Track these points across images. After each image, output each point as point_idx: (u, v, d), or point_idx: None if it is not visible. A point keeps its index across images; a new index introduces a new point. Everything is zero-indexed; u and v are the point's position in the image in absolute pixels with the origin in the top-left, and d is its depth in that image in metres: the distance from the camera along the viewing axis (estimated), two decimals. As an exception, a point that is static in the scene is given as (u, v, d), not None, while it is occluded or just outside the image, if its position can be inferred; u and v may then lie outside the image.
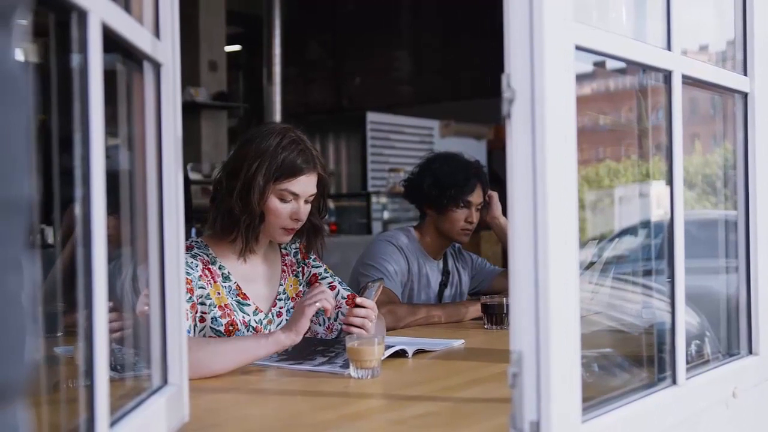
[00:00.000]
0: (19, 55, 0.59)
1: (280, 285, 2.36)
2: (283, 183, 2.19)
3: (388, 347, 2.04)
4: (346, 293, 2.38)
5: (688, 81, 1.58)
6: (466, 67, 9.39)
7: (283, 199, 2.20)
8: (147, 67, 1.33)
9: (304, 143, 2.23)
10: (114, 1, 1.10)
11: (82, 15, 0.99)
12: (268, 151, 2.17)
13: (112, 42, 1.11)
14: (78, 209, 1.00)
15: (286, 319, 2.31)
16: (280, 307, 2.32)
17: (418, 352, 2.19)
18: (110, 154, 1.10)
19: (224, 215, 2.20)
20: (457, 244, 3.20)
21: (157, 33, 1.34)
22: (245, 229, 2.20)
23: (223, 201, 2.20)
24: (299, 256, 2.43)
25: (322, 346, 2.14)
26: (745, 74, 1.82)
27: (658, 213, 1.97)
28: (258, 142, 2.19)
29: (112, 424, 1.07)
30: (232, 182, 2.19)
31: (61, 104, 1.04)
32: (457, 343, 2.36)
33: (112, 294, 1.07)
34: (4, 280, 0.55)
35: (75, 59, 1.01)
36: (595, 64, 1.48)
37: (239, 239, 2.24)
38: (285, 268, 2.39)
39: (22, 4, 0.59)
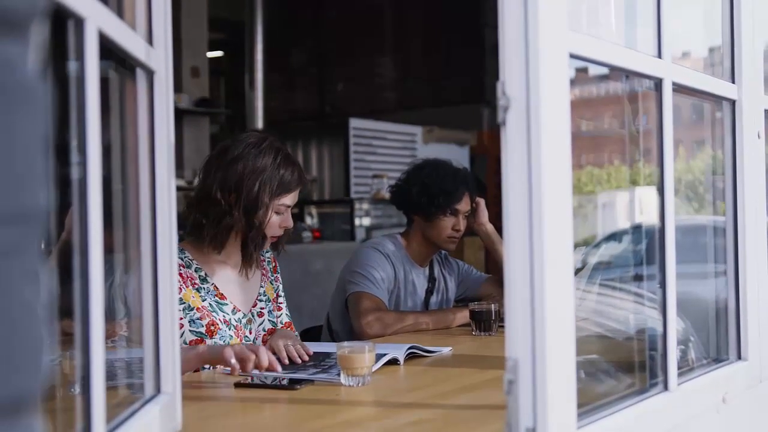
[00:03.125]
0: (35, 64, 0.59)
1: (261, 287, 2.43)
2: (283, 198, 2.28)
3: (379, 356, 2.04)
4: (286, 320, 2.47)
5: (678, 88, 1.59)
6: (449, 74, 9.41)
7: (278, 213, 2.29)
8: (140, 75, 1.32)
9: (292, 157, 2.34)
10: (109, 8, 1.09)
11: (79, 22, 0.98)
12: (266, 168, 2.24)
13: (106, 49, 1.10)
14: (75, 217, 1.00)
15: (269, 320, 2.41)
16: (261, 308, 2.39)
17: (410, 356, 2.19)
18: (102, 161, 1.09)
19: (225, 231, 2.25)
20: (443, 251, 3.20)
21: (150, 40, 1.34)
22: (255, 247, 2.28)
23: (222, 217, 2.22)
24: (271, 267, 2.51)
25: (313, 361, 2.13)
26: (733, 82, 1.83)
27: (642, 219, 1.98)
28: (253, 160, 2.24)
29: (108, 434, 1.06)
30: (228, 197, 2.23)
31: (56, 111, 1.03)
32: (446, 350, 2.36)
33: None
34: (21, 290, 0.55)
35: (71, 66, 1.00)
36: (578, 69, 1.49)
37: (234, 253, 2.32)
38: (264, 271, 2.46)
39: (38, 14, 0.59)
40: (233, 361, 1.91)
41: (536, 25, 1.16)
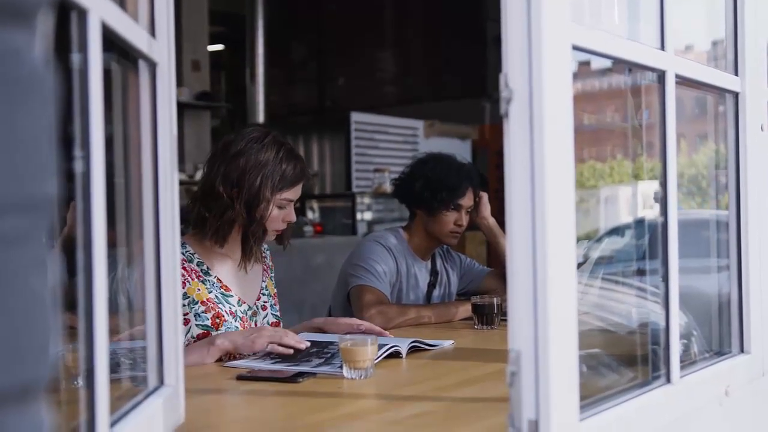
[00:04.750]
0: (42, 54, 0.59)
1: (263, 281, 2.45)
2: (285, 193, 2.30)
3: (381, 347, 2.04)
4: (273, 319, 2.46)
5: (681, 81, 1.59)
6: (450, 68, 9.41)
7: (280, 207, 2.31)
8: (142, 67, 1.32)
9: (295, 152, 2.35)
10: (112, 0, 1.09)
11: (82, 13, 0.98)
12: (268, 163, 2.26)
13: (109, 41, 1.10)
14: (78, 210, 1.00)
15: (271, 314, 2.44)
16: (264, 302, 2.44)
17: (413, 349, 2.19)
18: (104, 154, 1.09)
19: (227, 224, 2.27)
20: (445, 245, 3.20)
21: (152, 32, 1.33)
22: (255, 240, 2.30)
23: (225, 211, 2.23)
24: (270, 264, 2.54)
25: (315, 348, 2.14)
26: (736, 74, 1.83)
27: (645, 213, 1.98)
28: (256, 154, 2.26)
29: (112, 424, 1.06)
30: (230, 191, 2.25)
31: (59, 103, 1.03)
32: (448, 343, 2.36)
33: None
34: (29, 279, 0.55)
35: (74, 58, 1.00)
36: (581, 63, 1.49)
37: (237, 248, 2.34)
38: (265, 267, 2.49)
39: (45, 3, 0.59)
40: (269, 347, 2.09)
41: (539, 17, 1.16)
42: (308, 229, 6.80)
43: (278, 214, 2.30)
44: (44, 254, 0.58)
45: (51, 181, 0.59)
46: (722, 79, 1.80)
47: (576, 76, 1.53)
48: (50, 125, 0.59)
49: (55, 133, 0.60)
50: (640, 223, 2.02)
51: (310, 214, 7.60)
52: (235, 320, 2.28)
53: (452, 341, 2.38)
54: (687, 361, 1.71)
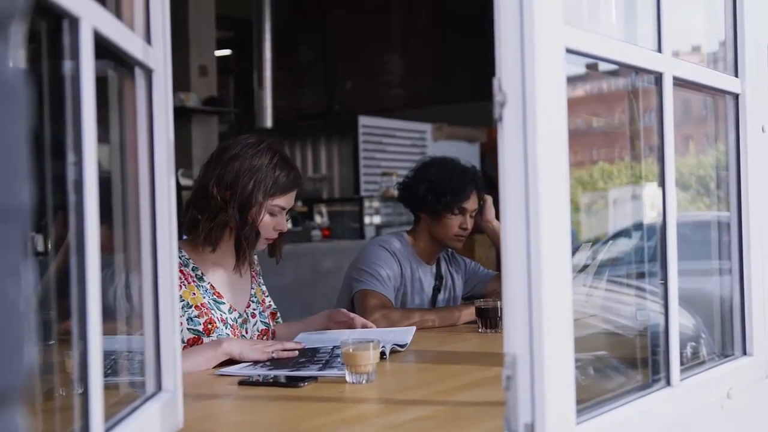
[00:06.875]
0: (16, 63, 0.59)
1: (252, 288, 2.47)
2: (276, 199, 2.31)
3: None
4: (262, 326, 2.47)
5: (679, 82, 1.58)
6: (457, 70, 9.39)
7: (272, 214, 2.32)
8: (138, 74, 1.33)
9: (290, 160, 2.38)
10: (105, 8, 1.10)
11: (74, 22, 0.99)
12: (262, 168, 2.29)
13: (103, 48, 1.11)
14: (71, 217, 1.00)
15: (260, 321, 2.45)
16: (253, 309, 2.45)
17: (393, 351, 2.23)
18: (101, 161, 1.10)
19: (219, 227, 2.28)
20: (450, 249, 3.20)
21: (148, 39, 1.34)
22: (247, 244, 2.31)
23: (217, 214, 2.25)
24: (258, 269, 2.55)
25: (303, 358, 2.13)
26: (736, 75, 1.82)
27: (651, 215, 1.97)
28: (250, 159, 2.29)
29: (108, 430, 1.06)
30: (224, 193, 2.27)
31: (52, 111, 1.04)
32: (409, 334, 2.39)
33: (105, 302, 1.07)
34: (3, 286, 0.56)
35: (66, 66, 1.01)
36: (588, 66, 1.49)
37: (229, 255, 2.35)
38: (254, 274, 2.51)
39: (19, 12, 0.59)
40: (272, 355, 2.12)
41: (531, 20, 1.16)
42: (316, 233, 6.81)
43: (270, 221, 2.32)
44: (19, 261, 0.58)
45: (25, 189, 0.59)
46: (722, 80, 1.79)
47: (584, 78, 1.53)
48: (24, 134, 0.59)
49: (29, 141, 0.61)
50: (648, 225, 2.02)
51: (318, 218, 7.60)
52: (226, 327, 2.29)
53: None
54: (695, 363, 1.70)
